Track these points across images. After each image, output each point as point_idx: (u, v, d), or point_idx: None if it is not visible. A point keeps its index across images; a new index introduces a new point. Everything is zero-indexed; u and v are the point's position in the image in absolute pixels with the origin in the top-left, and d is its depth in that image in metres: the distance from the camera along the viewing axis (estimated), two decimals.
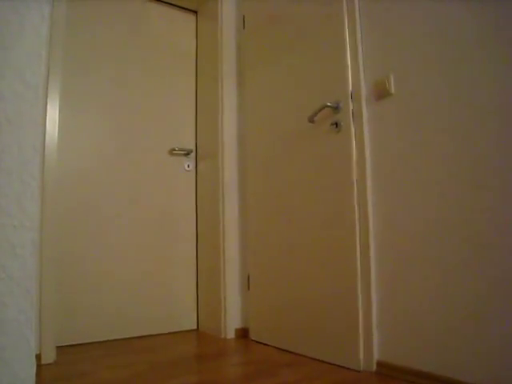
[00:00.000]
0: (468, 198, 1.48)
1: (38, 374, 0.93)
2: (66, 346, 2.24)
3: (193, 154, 2.90)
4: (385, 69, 1.82)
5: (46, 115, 2.05)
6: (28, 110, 0.89)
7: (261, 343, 2.33)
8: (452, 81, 1.56)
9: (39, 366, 1.86)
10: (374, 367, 1.76)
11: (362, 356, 1.80)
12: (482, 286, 1.43)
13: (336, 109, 1.97)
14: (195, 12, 3.03)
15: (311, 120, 2.06)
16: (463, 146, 1.51)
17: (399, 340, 1.69)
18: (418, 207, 1.65)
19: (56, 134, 2.10)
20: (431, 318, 1.57)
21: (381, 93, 1.82)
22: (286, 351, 2.15)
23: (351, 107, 1.92)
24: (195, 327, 2.76)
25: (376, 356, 1.76)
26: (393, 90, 1.78)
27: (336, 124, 1.96)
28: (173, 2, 2.92)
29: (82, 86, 2.52)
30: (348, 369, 1.81)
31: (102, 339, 2.41)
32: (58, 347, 2.04)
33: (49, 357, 1.97)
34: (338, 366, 1.87)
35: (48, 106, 2.07)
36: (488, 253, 1.41)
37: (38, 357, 1.90)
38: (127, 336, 2.51)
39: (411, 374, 1.61)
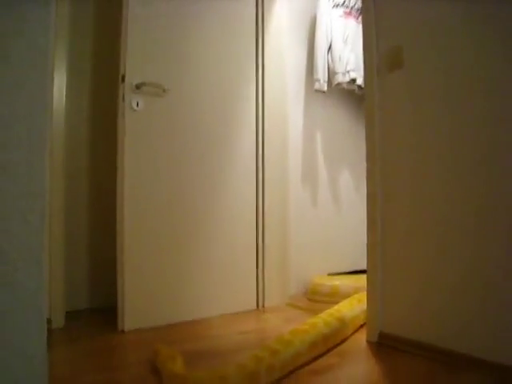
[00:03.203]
0: (476, 173, 1.47)
1: (48, 338, 0.94)
2: (75, 311, 2.28)
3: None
4: (397, 42, 1.77)
5: (53, 80, 2.02)
6: (37, 75, 0.88)
7: None
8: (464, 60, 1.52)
9: (49, 330, 1.90)
10: (376, 338, 1.78)
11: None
12: (483, 259, 1.43)
13: None
14: None
15: None
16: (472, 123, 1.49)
17: (401, 312, 1.71)
18: (424, 179, 1.64)
19: (64, 100, 2.08)
20: (432, 291, 1.59)
21: (392, 64, 1.78)
22: None
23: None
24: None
25: (379, 327, 1.79)
26: (404, 62, 1.73)
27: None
28: None
29: (85, 55, 2.49)
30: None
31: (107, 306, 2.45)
32: (67, 312, 2.08)
33: (58, 322, 2.01)
34: None
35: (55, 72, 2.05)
36: (489, 224, 1.41)
37: (49, 321, 1.94)
38: None
39: (411, 345, 1.64)
